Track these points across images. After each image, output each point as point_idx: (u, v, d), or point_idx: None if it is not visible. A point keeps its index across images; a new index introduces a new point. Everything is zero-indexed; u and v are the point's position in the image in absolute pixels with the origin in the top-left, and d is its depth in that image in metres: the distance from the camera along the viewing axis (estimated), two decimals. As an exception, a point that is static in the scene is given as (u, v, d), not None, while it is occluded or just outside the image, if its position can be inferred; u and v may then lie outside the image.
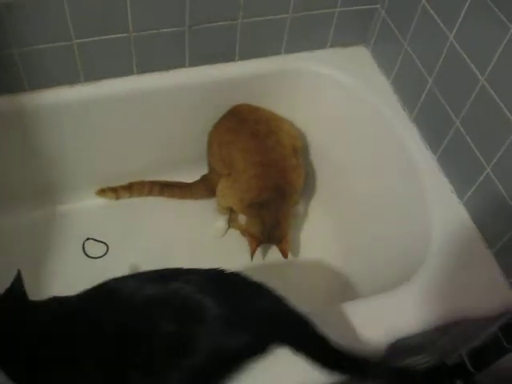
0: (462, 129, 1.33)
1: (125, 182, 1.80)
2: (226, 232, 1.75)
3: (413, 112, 1.52)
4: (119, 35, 1.44)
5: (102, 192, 1.77)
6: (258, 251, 1.62)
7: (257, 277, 1.62)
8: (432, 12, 1.37)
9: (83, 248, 1.70)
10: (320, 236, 1.75)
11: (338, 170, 1.67)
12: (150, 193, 1.80)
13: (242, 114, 1.62)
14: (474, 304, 1.23)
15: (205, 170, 1.74)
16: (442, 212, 1.36)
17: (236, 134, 1.58)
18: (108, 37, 1.44)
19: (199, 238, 1.74)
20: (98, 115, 1.58)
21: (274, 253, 1.69)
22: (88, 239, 1.71)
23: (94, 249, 1.69)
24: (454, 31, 1.30)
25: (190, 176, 1.79)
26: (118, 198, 1.79)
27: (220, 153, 1.61)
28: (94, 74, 1.52)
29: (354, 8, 1.59)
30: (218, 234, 1.75)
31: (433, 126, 1.46)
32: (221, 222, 1.74)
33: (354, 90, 1.61)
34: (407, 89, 1.55)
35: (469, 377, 1.52)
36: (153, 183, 1.80)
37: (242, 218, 1.57)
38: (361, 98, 1.60)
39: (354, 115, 1.61)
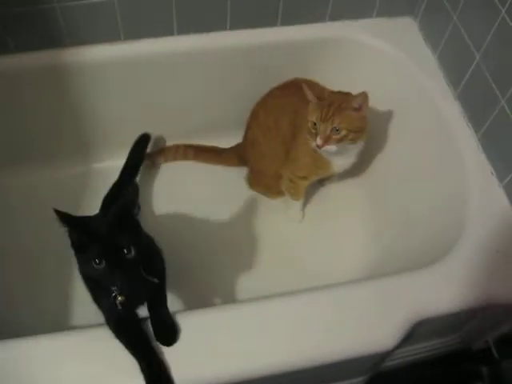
0: (507, 109, 1.28)
1: (161, 143, 1.80)
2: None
3: (457, 88, 1.48)
4: (161, -6, 1.43)
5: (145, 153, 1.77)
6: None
7: (286, 248, 1.65)
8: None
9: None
10: (354, 209, 1.73)
11: (376, 142, 1.64)
12: (185, 157, 1.80)
13: (299, 84, 1.57)
14: (506, 290, 1.20)
15: (240, 137, 1.72)
16: (480, 193, 1.32)
17: (299, 102, 1.50)
18: (150, -5, 1.43)
19: (230, 205, 1.73)
20: (137, 74, 1.58)
21: (306, 224, 1.70)
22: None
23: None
24: (507, 5, 1.24)
25: (227, 141, 1.78)
26: (154, 163, 1.79)
27: (274, 123, 1.56)
28: (135, 32, 1.52)
29: (404, -24, 1.54)
30: (297, 219, 1.72)
31: (477, 105, 1.41)
32: (297, 208, 1.69)
33: (398, 62, 1.57)
34: (453, 64, 1.50)
35: (494, 364, 1.50)
36: (187, 147, 1.79)
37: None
38: (405, 70, 1.56)
39: (397, 88, 1.57)
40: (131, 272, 1.00)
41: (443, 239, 1.31)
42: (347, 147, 1.40)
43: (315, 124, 1.36)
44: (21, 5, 1.37)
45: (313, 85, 1.56)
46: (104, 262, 0.96)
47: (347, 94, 1.39)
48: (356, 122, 1.36)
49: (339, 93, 1.41)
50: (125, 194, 1.00)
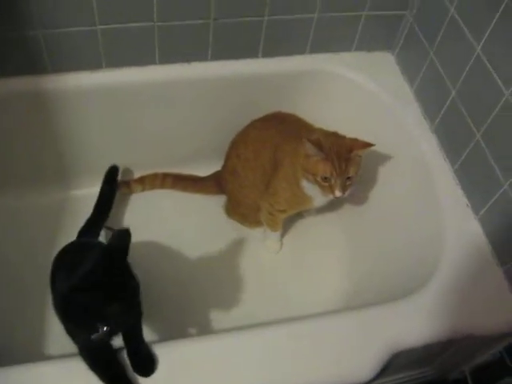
0: (482, 143, 1.31)
1: (140, 171, 1.80)
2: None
3: (434, 122, 1.51)
4: (143, 24, 1.44)
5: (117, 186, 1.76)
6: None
7: (264, 277, 1.65)
8: (460, 22, 1.35)
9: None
10: (331, 241, 1.74)
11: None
12: (163, 185, 1.79)
13: (280, 118, 1.59)
14: (481, 321, 1.21)
15: (218, 166, 1.73)
16: (456, 225, 1.34)
17: (279, 136, 1.52)
18: (132, 25, 1.44)
19: (209, 233, 1.73)
20: (118, 102, 1.58)
21: (284, 254, 1.71)
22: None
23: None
24: (482, 43, 1.28)
25: (206, 170, 1.78)
26: (131, 191, 1.79)
27: (253, 154, 1.56)
28: (116, 60, 1.52)
29: (382, 13, 1.57)
30: (275, 250, 1.72)
31: (453, 138, 1.44)
32: (275, 239, 1.70)
33: (375, 95, 1.59)
34: (430, 98, 1.53)
35: (470, 394, 1.51)
36: (165, 175, 1.79)
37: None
38: (382, 103, 1.59)
39: (373, 120, 1.59)
40: (128, 307, 1.00)
41: (418, 272, 1.32)
42: None
43: (326, 178, 1.35)
44: (4, 30, 1.37)
45: (295, 119, 1.59)
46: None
47: (341, 138, 1.39)
48: (360, 165, 1.38)
49: (334, 135, 1.40)
50: (118, 242, 0.99)
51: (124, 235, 1.00)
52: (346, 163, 1.34)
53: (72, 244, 1.32)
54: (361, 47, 1.66)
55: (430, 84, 1.52)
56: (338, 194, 1.35)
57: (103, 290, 0.95)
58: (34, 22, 1.37)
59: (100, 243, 1.40)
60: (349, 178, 1.35)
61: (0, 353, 1.36)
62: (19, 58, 1.46)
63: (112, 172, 1.64)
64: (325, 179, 1.35)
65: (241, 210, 1.71)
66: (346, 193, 1.37)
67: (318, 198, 1.46)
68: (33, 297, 1.53)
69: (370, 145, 1.35)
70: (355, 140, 1.37)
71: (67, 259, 1.20)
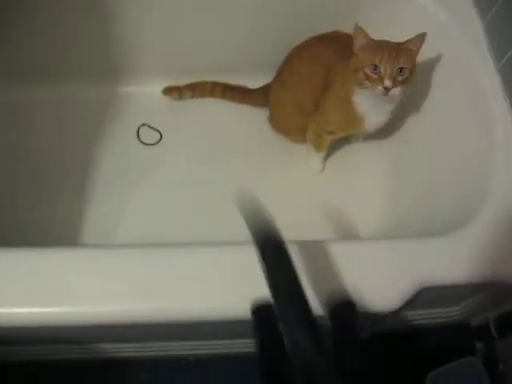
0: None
1: (191, 77, 1.78)
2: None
3: (500, 61, 1.43)
4: None
5: (169, 91, 1.77)
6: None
7: (302, 197, 1.64)
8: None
9: (137, 132, 1.71)
10: (375, 169, 1.71)
11: (409, 104, 1.60)
12: (212, 93, 1.78)
13: (339, 37, 1.54)
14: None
15: (269, 80, 1.70)
16: (508, 170, 1.28)
17: (335, 56, 1.48)
18: None
19: (251, 144, 1.73)
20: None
21: (326, 176, 1.69)
22: (144, 125, 1.72)
23: (147, 136, 1.70)
24: None
25: (254, 83, 1.76)
26: (180, 97, 1.78)
27: (306, 70, 1.54)
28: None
29: None
30: (317, 170, 1.70)
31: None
32: (318, 159, 1.68)
33: (442, 23, 1.51)
34: (500, 35, 1.44)
35: (490, 341, 1.51)
36: (215, 84, 1.78)
37: None
38: (448, 34, 1.51)
39: (436, 51, 1.52)
40: None
41: (462, 211, 1.28)
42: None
43: (375, 68, 1.29)
44: None
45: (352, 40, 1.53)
46: None
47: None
48: (414, 61, 1.32)
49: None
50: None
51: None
52: (396, 52, 1.29)
53: None
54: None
55: (503, 19, 1.42)
56: (387, 82, 1.28)
57: None
58: None
59: None
60: (401, 70, 1.30)
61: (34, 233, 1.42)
62: None
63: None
64: (375, 69, 1.30)
65: (282, 122, 1.70)
66: (398, 88, 1.30)
67: (370, 117, 1.43)
68: (68, 188, 1.57)
69: (421, 37, 1.31)
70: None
71: None
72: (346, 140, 1.72)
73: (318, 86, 1.51)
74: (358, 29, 1.32)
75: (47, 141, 1.66)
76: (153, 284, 1.08)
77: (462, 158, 1.42)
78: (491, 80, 1.42)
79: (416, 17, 1.56)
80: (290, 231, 1.41)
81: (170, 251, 1.14)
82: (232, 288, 1.08)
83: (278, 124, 1.72)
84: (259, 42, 1.69)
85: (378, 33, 1.46)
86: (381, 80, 1.29)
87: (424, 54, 1.45)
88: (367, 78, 1.32)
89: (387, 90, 1.29)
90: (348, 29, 1.52)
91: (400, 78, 1.30)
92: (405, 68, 1.29)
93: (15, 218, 1.52)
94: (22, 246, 1.10)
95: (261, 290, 0.86)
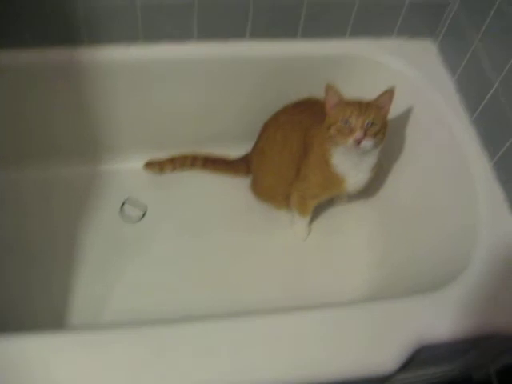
0: (523, 137, 1.27)
1: (170, 150, 1.79)
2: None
3: (473, 114, 1.46)
4: (183, -1, 1.43)
5: (150, 166, 1.78)
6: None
7: (289, 262, 1.64)
8: (508, 10, 1.30)
9: (121, 209, 1.71)
10: (362, 229, 1.72)
11: (388, 163, 1.63)
12: (193, 166, 1.80)
13: (312, 103, 1.57)
14: (510, 321, 1.17)
15: (248, 147, 1.72)
16: (491, 221, 1.30)
17: (310, 121, 1.51)
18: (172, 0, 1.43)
19: (235, 213, 1.73)
20: (152, 78, 1.58)
21: (312, 239, 1.69)
22: (127, 201, 1.72)
23: (133, 212, 1.70)
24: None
25: (236, 153, 1.78)
26: (162, 171, 1.79)
27: (282, 138, 1.55)
28: (154, 35, 1.52)
29: (426, -1, 1.54)
30: (302, 237, 1.70)
31: (492, 131, 1.39)
32: (303, 225, 1.68)
33: (414, 83, 1.56)
34: (471, 89, 1.49)
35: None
36: (195, 157, 1.79)
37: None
38: (420, 92, 1.55)
39: (412, 110, 1.56)
40: None
41: (450, 267, 1.28)
42: (367, 155, 1.38)
43: (347, 122, 1.31)
44: (44, 1, 1.38)
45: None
46: None
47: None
48: (385, 118, 1.34)
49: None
50: None
51: None
52: (366, 107, 1.31)
53: None
54: (402, 33, 1.63)
55: (471, 75, 1.48)
56: (358, 134, 1.29)
57: None
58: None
59: None
60: (371, 125, 1.31)
61: (24, 319, 1.39)
62: (57, 28, 1.46)
63: None
64: (346, 123, 1.31)
65: (264, 191, 1.71)
66: (369, 141, 1.31)
67: (350, 177, 1.44)
68: (56, 268, 1.56)
69: (390, 93, 1.33)
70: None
71: None
72: (329, 203, 1.73)
73: (295, 152, 1.53)
74: (329, 87, 1.35)
75: (34, 222, 1.64)
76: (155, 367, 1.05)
77: (446, 215, 1.43)
78: (467, 133, 1.46)
79: (390, 78, 1.58)
80: (276, 298, 1.42)
81: (166, 329, 1.11)
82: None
83: (261, 192, 1.72)
84: (236, 114, 1.72)
85: (351, 93, 1.51)
86: (352, 132, 1.31)
87: (399, 115, 1.49)
88: (339, 132, 1.33)
89: (358, 141, 1.30)
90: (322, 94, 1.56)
91: (371, 131, 1.31)
92: (376, 121, 1.32)
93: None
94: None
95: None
